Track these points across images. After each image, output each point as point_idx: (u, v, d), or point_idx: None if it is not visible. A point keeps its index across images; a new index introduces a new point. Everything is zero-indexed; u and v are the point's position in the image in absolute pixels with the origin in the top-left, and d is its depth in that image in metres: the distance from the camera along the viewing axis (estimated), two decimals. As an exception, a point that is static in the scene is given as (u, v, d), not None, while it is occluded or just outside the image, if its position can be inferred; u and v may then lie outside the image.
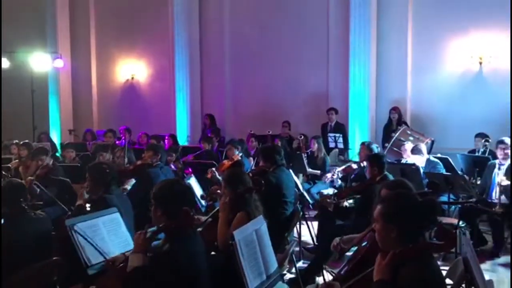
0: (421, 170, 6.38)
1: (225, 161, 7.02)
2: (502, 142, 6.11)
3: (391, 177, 5.33)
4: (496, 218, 5.66)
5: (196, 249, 2.74)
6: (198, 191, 5.68)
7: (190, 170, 7.10)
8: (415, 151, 6.88)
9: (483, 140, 7.64)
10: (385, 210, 2.35)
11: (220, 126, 11.23)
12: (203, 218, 4.15)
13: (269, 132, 9.10)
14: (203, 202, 5.52)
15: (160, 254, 2.72)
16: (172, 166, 7.33)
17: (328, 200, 5.74)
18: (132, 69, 12.42)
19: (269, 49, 10.88)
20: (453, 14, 8.93)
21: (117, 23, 12.35)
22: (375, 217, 2.39)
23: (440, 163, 6.69)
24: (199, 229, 3.79)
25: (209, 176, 6.40)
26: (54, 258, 3.62)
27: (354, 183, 6.52)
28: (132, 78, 12.47)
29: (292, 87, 10.66)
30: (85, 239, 3.28)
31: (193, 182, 5.63)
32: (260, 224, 3.30)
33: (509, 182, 5.61)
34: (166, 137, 9.38)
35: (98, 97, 13.01)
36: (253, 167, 7.32)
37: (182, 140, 11.12)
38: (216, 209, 4.05)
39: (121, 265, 3.00)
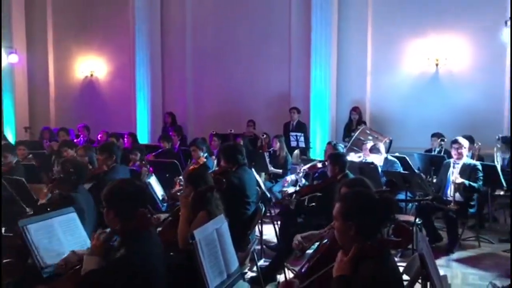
0: (379, 169, 6.51)
1: (191, 167, 6.94)
2: (456, 141, 6.29)
3: (351, 175, 5.42)
4: (451, 215, 5.85)
5: (153, 251, 2.66)
6: (159, 190, 5.60)
7: (151, 169, 6.98)
8: (374, 150, 7.02)
9: (439, 140, 7.90)
10: (344, 208, 2.39)
11: (182, 124, 11.13)
12: (163, 216, 4.10)
13: (231, 130, 9.09)
14: (163, 202, 5.45)
15: (115, 257, 2.63)
16: (135, 166, 7.19)
17: (288, 198, 5.77)
18: (91, 65, 12.14)
19: (232, 48, 10.87)
20: (411, 17, 9.17)
21: (76, 18, 12.04)
22: (334, 215, 2.42)
23: (398, 162, 6.86)
24: (159, 228, 3.74)
25: (177, 187, 6.27)
26: (7, 260, 3.48)
27: (316, 181, 6.59)
28: (91, 75, 12.20)
29: (255, 86, 10.69)
30: (39, 239, 3.18)
31: (153, 181, 5.54)
32: (221, 223, 3.28)
33: (463, 180, 5.80)
34: (126, 136, 9.20)
35: (56, 94, 12.66)
36: (215, 167, 7.30)
37: (143, 138, 10.96)
38: (176, 207, 3.99)
39: (76, 267, 2.91)
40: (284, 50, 10.46)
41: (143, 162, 6.76)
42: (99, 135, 9.78)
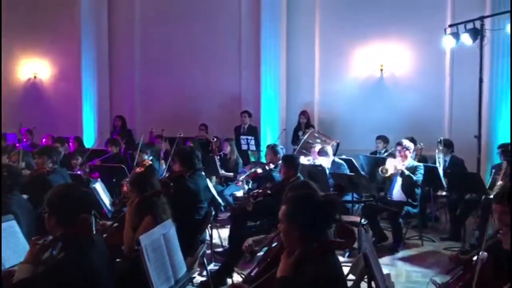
0: (327, 171, 6.65)
1: (137, 169, 6.81)
2: (400, 144, 6.54)
3: (302, 178, 5.51)
4: (395, 215, 6.05)
5: (95, 258, 2.59)
6: (104, 196, 5.46)
7: (97, 174, 6.81)
8: (322, 153, 7.16)
9: (383, 142, 8.18)
10: (289, 211, 2.42)
11: (131, 128, 10.92)
12: (109, 223, 4.00)
13: (180, 134, 9.01)
14: (110, 207, 5.32)
15: (52, 265, 2.54)
16: (78, 171, 6.99)
17: (249, 201, 5.78)
18: (34, 67, 11.69)
19: (182, 51, 10.79)
20: (356, 24, 9.43)
21: (19, 18, 11.54)
22: (280, 217, 2.45)
23: (345, 164, 7.03)
24: (104, 235, 3.65)
25: (125, 189, 6.14)
26: None
27: (269, 183, 6.61)
28: (35, 77, 11.74)
29: (206, 90, 10.66)
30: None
31: (98, 187, 5.39)
32: (168, 228, 3.25)
33: (403, 169, 6.04)
34: (71, 140, 8.93)
35: (-4, 96, 12.08)
36: (165, 171, 7.20)
37: (89, 142, 10.66)
38: (122, 213, 3.91)
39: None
40: (234, 54, 10.49)
41: (84, 166, 6.60)
42: (44, 139, 9.43)
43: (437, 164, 6.92)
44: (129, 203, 3.66)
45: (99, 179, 5.90)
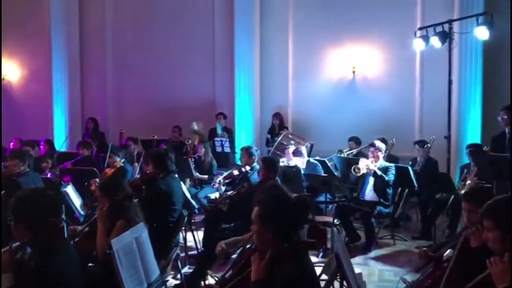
0: (302, 172, 6.70)
1: (107, 170, 6.74)
2: (372, 145, 6.64)
3: (279, 181, 5.53)
4: (368, 215, 6.14)
5: (66, 263, 2.55)
6: (76, 200, 5.38)
7: (68, 177, 6.70)
8: (297, 153, 7.22)
9: (355, 143, 8.29)
10: (261, 212, 2.43)
11: (104, 130, 10.78)
12: (80, 227, 3.94)
13: (153, 136, 8.94)
14: (81, 211, 5.24)
15: (25, 271, 2.49)
16: (49, 174, 6.87)
17: (225, 201, 5.76)
18: (2, 68, 11.41)
19: (155, 52, 10.72)
20: (329, 27, 9.52)
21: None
22: (253, 218, 2.46)
23: (319, 165, 7.10)
24: (76, 239, 3.59)
25: (93, 188, 6.07)
26: None
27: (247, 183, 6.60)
28: (3, 78, 11.46)
29: (180, 92, 10.60)
30: None
31: (70, 190, 5.30)
32: (140, 232, 3.21)
33: (375, 169, 6.14)
34: (42, 143, 8.75)
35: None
36: (137, 173, 7.14)
37: (61, 145, 10.46)
38: (94, 217, 3.85)
39: None
40: (208, 56, 10.48)
41: (55, 169, 6.49)
42: (12, 143, 9.21)
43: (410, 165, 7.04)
44: (99, 208, 3.60)
45: (70, 183, 5.81)
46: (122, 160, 6.82)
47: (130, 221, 3.51)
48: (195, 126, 9.37)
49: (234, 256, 3.84)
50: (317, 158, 7.52)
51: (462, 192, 6.02)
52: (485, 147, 6.63)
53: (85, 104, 11.35)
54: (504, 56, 8.58)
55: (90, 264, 3.63)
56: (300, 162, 7.09)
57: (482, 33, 7.07)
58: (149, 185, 4.77)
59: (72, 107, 11.12)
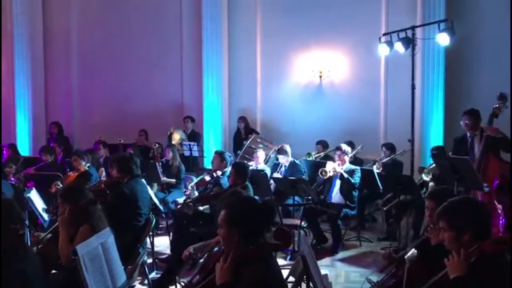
0: (268, 175, 6.76)
1: (71, 173, 6.64)
2: (338, 148, 6.76)
3: (250, 186, 5.56)
4: (334, 218, 6.23)
5: (28, 270, 2.49)
6: (40, 205, 5.26)
7: (32, 183, 6.55)
8: (282, 151, 7.30)
9: (323, 147, 8.41)
10: (228, 215, 2.46)
11: (68, 134, 10.57)
12: (43, 234, 3.85)
13: (120, 141, 8.83)
14: (46, 217, 5.13)
15: None
16: (12, 179, 6.70)
17: (190, 204, 5.76)
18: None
19: (121, 56, 10.60)
20: (297, 31, 9.62)
21: None
22: (219, 222, 2.48)
23: (302, 166, 7.25)
24: (39, 246, 3.52)
25: (53, 190, 5.97)
26: None
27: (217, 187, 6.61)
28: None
29: (147, 95, 10.52)
30: None
31: (34, 196, 5.19)
32: (106, 237, 3.18)
33: (341, 171, 6.26)
34: (5, 148, 8.52)
35: None
36: (103, 177, 7.04)
37: (24, 150, 10.20)
38: (57, 223, 3.77)
39: None
40: (176, 59, 10.44)
41: (19, 174, 6.34)
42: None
43: (375, 168, 7.18)
44: (61, 214, 3.52)
45: (34, 188, 5.68)
46: (88, 165, 6.71)
47: (94, 226, 3.46)
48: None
49: (202, 260, 3.85)
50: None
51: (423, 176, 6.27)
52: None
53: (49, 108, 11.11)
54: (465, 61, 8.89)
55: (54, 271, 3.55)
56: (284, 161, 7.22)
57: (443, 39, 7.29)
58: (114, 189, 4.72)
59: (36, 112, 10.85)
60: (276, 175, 7.12)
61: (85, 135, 10.62)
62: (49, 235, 3.74)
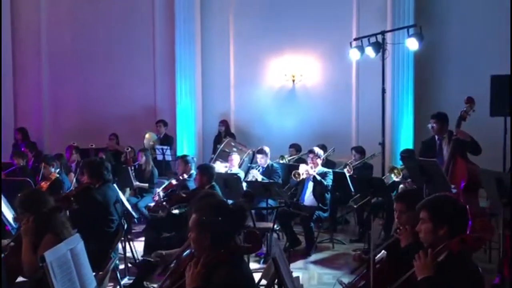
0: (242, 178, 6.78)
1: (43, 183, 6.49)
2: (311, 151, 6.82)
3: (217, 187, 5.57)
4: (307, 220, 6.28)
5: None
6: (8, 212, 5.14)
7: (-1, 188, 6.38)
8: (262, 151, 7.36)
9: (296, 150, 8.48)
10: (198, 219, 2.46)
11: (38, 139, 10.35)
12: (6, 241, 3.76)
13: (91, 145, 8.71)
14: (14, 224, 5.01)
15: None
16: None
17: (160, 205, 5.71)
18: None
19: (93, 59, 10.48)
20: (270, 35, 9.69)
21: None
22: (190, 226, 2.48)
23: (280, 169, 7.31)
24: (4, 253, 3.43)
25: None
26: None
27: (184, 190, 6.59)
28: None
29: (118, 98, 10.41)
30: None
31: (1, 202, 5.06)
32: (75, 243, 3.13)
33: (314, 174, 6.32)
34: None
35: None
36: (74, 183, 6.93)
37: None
38: (19, 232, 3.67)
39: None
40: (148, 62, 10.37)
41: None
42: None
43: (346, 171, 7.28)
44: (24, 223, 3.42)
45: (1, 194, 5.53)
46: (57, 170, 6.59)
47: (58, 234, 3.38)
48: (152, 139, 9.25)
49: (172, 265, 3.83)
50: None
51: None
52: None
53: (17, 112, 10.87)
54: (434, 65, 9.11)
55: (20, 279, 3.48)
56: (263, 161, 7.28)
57: (412, 44, 7.46)
58: (84, 195, 4.66)
59: (4, 117, 10.60)
60: (254, 172, 7.17)
61: (55, 139, 10.44)
62: (12, 244, 3.63)
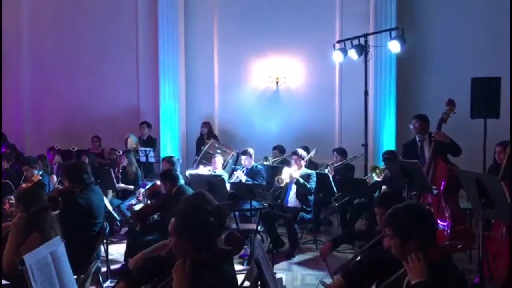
0: (226, 180, 6.78)
1: (24, 185, 6.40)
2: (295, 153, 6.85)
3: (188, 188, 5.56)
4: (291, 222, 6.30)
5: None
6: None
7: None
8: (246, 153, 7.34)
9: (279, 152, 8.50)
10: (178, 223, 2.44)
11: (19, 141, 10.21)
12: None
13: (73, 148, 8.62)
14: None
15: None
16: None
17: (133, 219, 5.66)
18: None
19: (76, 61, 10.39)
20: (254, 36, 9.69)
21: None
22: (170, 231, 2.47)
23: (264, 170, 7.32)
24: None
25: (6, 207, 5.74)
26: None
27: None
28: None
29: (102, 101, 10.33)
30: None
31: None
32: (56, 246, 3.09)
33: (297, 177, 6.36)
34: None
35: None
36: (56, 185, 6.84)
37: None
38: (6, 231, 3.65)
39: None
40: (132, 65, 10.31)
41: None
42: None
43: (327, 171, 7.33)
44: (16, 218, 3.42)
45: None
46: (40, 173, 6.51)
47: (45, 234, 3.36)
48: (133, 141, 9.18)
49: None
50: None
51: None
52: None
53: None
54: (415, 68, 9.22)
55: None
56: (247, 162, 7.28)
57: (394, 46, 7.55)
58: (67, 199, 4.59)
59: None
60: (238, 172, 7.19)
61: (37, 142, 10.30)
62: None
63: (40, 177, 6.53)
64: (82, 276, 3.71)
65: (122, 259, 5.82)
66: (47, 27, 10.45)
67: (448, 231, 5.00)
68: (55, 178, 7.16)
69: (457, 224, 4.90)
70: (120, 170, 7.73)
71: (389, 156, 6.96)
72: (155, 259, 3.07)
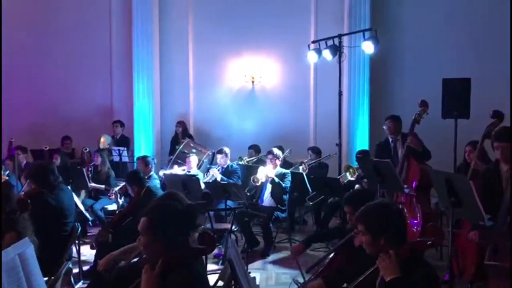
0: (201, 180, 6.75)
1: None
2: (270, 152, 6.88)
3: (157, 189, 5.51)
4: (265, 221, 6.32)
5: None
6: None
7: None
8: (222, 152, 7.37)
9: (255, 151, 8.51)
10: (148, 223, 2.42)
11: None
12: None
13: (45, 147, 8.45)
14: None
15: None
16: None
17: (103, 236, 5.51)
18: None
19: (48, 58, 10.16)
20: (228, 36, 9.68)
21: None
22: (140, 230, 2.44)
23: (239, 170, 7.36)
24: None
25: None
26: None
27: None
28: None
29: (74, 99, 10.16)
30: None
31: None
32: (25, 247, 3.02)
33: (273, 176, 6.39)
34: None
35: None
36: (25, 185, 6.68)
37: None
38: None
39: None
40: (105, 63, 10.16)
41: None
42: None
43: (301, 169, 7.38)
44: None
45: None
46: (7, 173, 6.35)
47: (21, 234, 3.28)
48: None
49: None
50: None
51: None
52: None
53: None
54: (389, 69, 9.35)
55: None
56: (222, 161, 7.29)
57: (368, 47, 7.64)
58: (36, 200, 4.49)
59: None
60: (214, 171, 7.18)
61: (9, 139, 10.03)
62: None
63: (7, 177, 6.37)
64: (52, 277, 3.64)
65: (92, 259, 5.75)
66: (17, 22, 10.20)
67: (419, 229, 5.09)
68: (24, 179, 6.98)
69: (428, 222, 5.00)
70: (90, 169, 7.62)
71: (362, 156, 7.05)
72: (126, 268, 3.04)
